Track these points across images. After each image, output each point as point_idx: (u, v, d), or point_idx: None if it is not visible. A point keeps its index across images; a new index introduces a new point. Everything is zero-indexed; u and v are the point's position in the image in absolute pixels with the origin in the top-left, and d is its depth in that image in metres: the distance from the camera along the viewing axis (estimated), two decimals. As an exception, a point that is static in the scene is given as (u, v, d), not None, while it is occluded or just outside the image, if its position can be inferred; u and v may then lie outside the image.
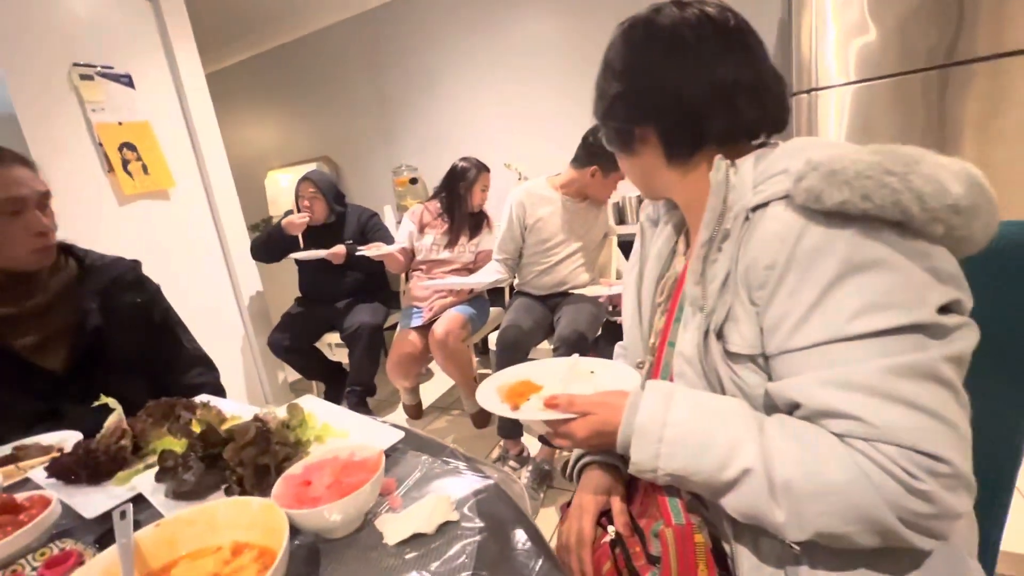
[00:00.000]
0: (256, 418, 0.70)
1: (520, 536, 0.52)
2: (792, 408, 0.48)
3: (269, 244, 2.49)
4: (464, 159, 2.25)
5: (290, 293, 2.64)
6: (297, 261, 2.48)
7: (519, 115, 3.16)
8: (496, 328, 2.26)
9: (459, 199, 2.23)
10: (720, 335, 0.51)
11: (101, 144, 2.09)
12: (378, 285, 2.63)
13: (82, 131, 2.05)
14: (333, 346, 2.67)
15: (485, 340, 2.28)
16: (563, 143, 2.99)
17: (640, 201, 2.76)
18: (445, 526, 0.53)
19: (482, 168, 2.23)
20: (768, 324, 0.48)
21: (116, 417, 0.81)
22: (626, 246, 2.24)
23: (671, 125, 0.57)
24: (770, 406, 0.50)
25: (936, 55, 1.64)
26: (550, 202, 1.90)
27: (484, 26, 3.11)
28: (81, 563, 0.54)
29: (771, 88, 0.56)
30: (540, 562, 0.49)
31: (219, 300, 2.51)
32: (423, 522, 0.53)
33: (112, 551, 0.47)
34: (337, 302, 2.49)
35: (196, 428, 0.76)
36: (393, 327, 2.62)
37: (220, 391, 1.18)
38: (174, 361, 1.13)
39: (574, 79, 2.90)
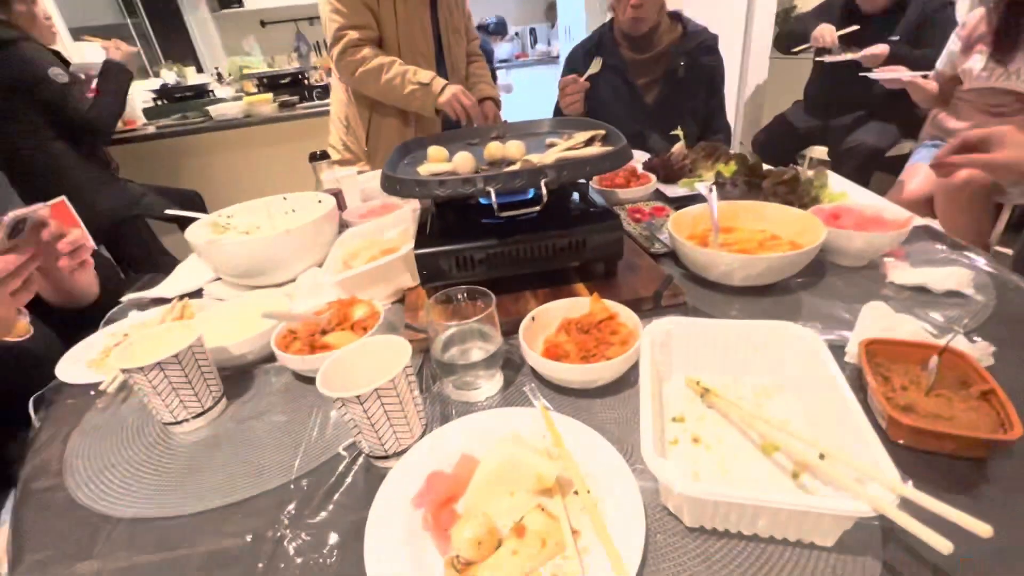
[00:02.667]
0: (791, 166, 0.86)
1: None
2: None
3: (793, 36, 2.34)
4: None
5: (794, 91, 2.52)
6: (819, 65, 2.25)
7: None
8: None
9: None
10: None
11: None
12: (902, 103, 2.17)
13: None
14: (812, 159, 2.53)
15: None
16: None
17: None
18: (952, 293, 0.59)
19: None
20: None
21: (681, 144, 1.14)
22: None
23: None
24: None
25: None
26: None
27: None
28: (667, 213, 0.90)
29: None
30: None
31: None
32: (932, 281, 0.60)
33: (704, 205, 0.76)
34: (844, 114, 2.24)
35: (731, 166, 1.00)
36: (899, 157, 2.22)
37: None
38: (712, 119, 1.42)
39: None
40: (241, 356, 0.61)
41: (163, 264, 1.98)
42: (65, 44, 2.49)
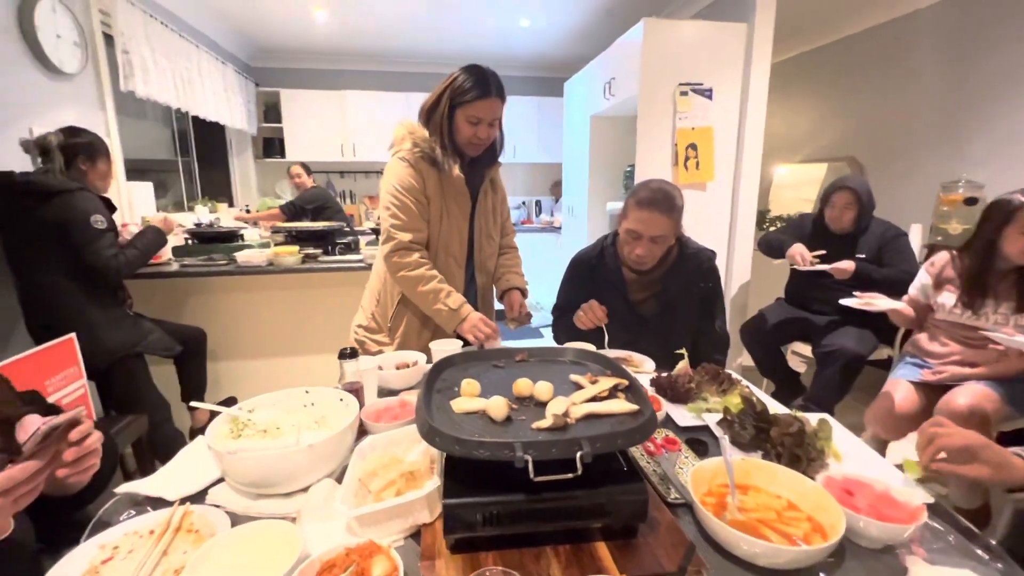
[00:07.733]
0: (796, 417, 0.91)
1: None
2: None
3: (773, 244, 2.64)
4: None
5: (775, 288, 2.76)
6: (795, 270, 2.52)
7: None
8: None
9: (984, 245, 1.66)
10: None
11: (676, 144, 2.75)
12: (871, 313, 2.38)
13: (668, 133, 2.75)
14: (795, 354, 2.67)
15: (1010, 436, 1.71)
16: None
17: None
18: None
19: None
20: None
21: (685, 363, 1.21)
22: None
23: None
24: None
25: None
26: None
27: None
28: (679, 448, 0.92)
29: None
30: None
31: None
32: (954, 587, 0.60)
33: (720, 459, 0.79)
34: (821, 315, 2.44)
35: (735, 398, 1.05)
36: (878, 363, 2.36)
37: None
38: (706, 336, 1.51)
39: None
40: (243, 611, 0.57)
41: (149, 402, 1.92)
42: (119, 182, 2.73)
